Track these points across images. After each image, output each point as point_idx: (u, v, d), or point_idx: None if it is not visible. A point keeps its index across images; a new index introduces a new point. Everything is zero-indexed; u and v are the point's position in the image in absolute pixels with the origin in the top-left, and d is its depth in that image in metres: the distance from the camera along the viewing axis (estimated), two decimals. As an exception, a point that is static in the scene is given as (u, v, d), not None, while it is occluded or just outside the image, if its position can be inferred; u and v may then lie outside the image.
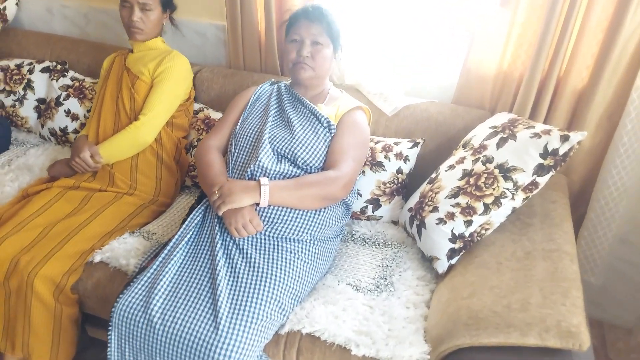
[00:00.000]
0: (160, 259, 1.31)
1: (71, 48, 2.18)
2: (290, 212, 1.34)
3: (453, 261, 1.37)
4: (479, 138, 1.49)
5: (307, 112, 1.49)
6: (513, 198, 1.33)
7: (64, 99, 2.01)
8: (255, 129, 1.47)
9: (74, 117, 1.99)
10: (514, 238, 1.35)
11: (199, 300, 1.21)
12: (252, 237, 1.32)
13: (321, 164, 1.41)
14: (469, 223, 1.35)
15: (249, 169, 1.37)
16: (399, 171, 1.60)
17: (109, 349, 1.25)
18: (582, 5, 1.41)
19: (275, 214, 1.33)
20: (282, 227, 1.33)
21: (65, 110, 2.00)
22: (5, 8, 2.29)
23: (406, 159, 1.60)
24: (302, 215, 1.35)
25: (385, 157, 1.60)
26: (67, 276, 1.42)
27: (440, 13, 1.69)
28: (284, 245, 1.32)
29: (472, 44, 1.61)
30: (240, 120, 1.53)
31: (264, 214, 1.33)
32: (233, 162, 1.45)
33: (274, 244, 1.32)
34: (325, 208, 1.40)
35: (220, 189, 1.32)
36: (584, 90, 1.53)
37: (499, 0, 1.50)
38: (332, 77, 1.83)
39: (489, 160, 1.39)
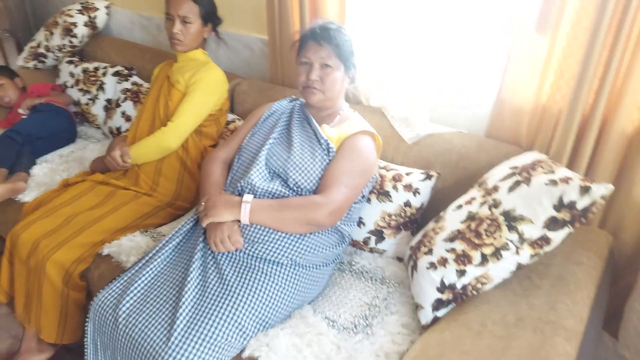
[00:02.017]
0: (143, 261, 1.36)
1: (140, 55, 2.39)
2: (271, 233, 1.30)
3: (439, 313, 1.22)
4: (495, 178, 1.32)
5: (312, 132, 1.44)
6: (517, 252, 1.15)
7: (122, 101, 2.20)
8: (258, 145, 1.46)
9: (127, 119, 2.17)
10: (513, 299, 1.16)
11: (163, 309, 1.23)
12: (231, 254, 1.30)
13: (314, 187, 1.35)
14: (461, 273, 1.19)
15: (239, 184, 1.36)
16: (407, 204, 1.47)
17: (85, 340, 1.32)
18: (633, 31, 1.18)
19: (256, 233, 1.30)
20: (262, 247, 1.29)
21: (122, 112, 2.19)
22: (96, 17, 2.58)
23: (416, 192, 1.47)
24: (284, 237, 1.30)
25: (394, 187, 1.48)
26: (77, 264, 1.53)
27: (476, 33, 1.53)
28: (261, 266, 1.29)
29: (507, 71, 1.43)
30: (249, 135, 1.53)
31: (246, 232, 1.31)
32: (231, 175, 1.46)
33: (250, 264, 1.29)
34: (312, 233, 1.33)
35: (206, 201, 1.34)
36: (635, 134, 1.27)
37: (534, 25, 1.31)
38: (359, 98, 1.76)
39: (495, 204, 1.22)
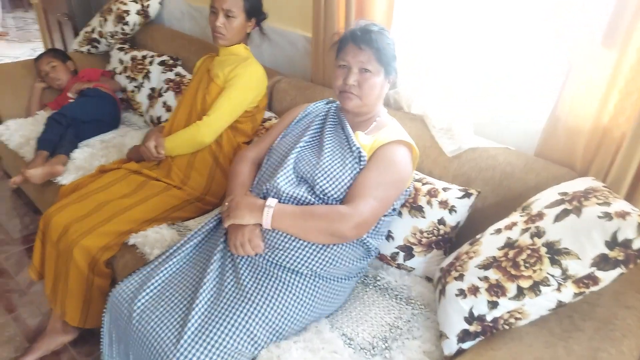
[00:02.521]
0: (163, 257, 1.34)
1: (187, 46, 2.39)
2: (293, 241, 1.24)
3: (465, 345, 1.12)
4: (541, 203, 1.19)
5: (344, 138, 1.37)
6: (559, 289, 1.03)
7: (164, 91, 2.21)
8: (287, 148, 1.40)
9: (168, 109, 2.18)
10: (549, 341, 1.05)
11: (177, 308, 1.20)
12: (250, 259, 1.26)
13: (341, 196, 1.28)
14: (493, 305, 1.09)
15: (264, 187, 1.32)
16: (441, 222, 1.38)
17: (102, 330, 1.32)
18: None
19: (278, 240, 1.25)
20: (282, 254, 1.24)
21: (163, 102, 2.20)
22: (148, 5, 2.62)
23: (452, 210, 1.36)
24: (306, 246, 1.24)
25: (428, 202, 1.39)
26: (103, 251, 1.55)
27: (533, 42, 1.40)
28: (279, 274, 1.23)
29: (566, 85, 1.30)
30: (280, 136, 1.48)
31: (268, 237, 1.26)
32: (259, 177, 1.42)
33: (269, 271, 1.24)
34: (335, 245, 1.27)
35: (230, 202, 1.30)
36: None
37: (600, 37, 1.18)
38: (401, 104, 1.67)
39: (538, 234, 1.10)
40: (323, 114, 1.49)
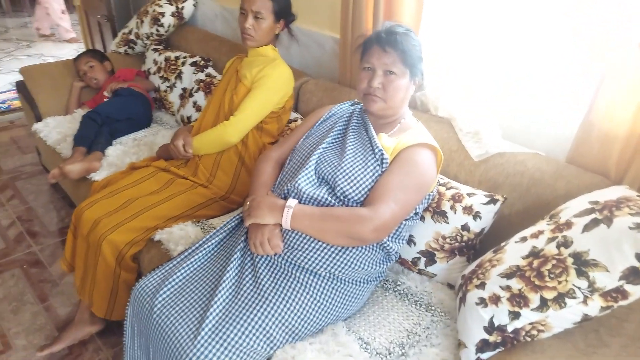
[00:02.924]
0: (185, 253, 1.36)
1: (218, 47, 2.43)
2: (312, 242, 1.24)
3: (483, 356, 1.09)
4: (570, 212, 1.15)
5: (367, 139, 1.36)
6: (585, 302, 0.99)
7: (195, 91, 2.26)
8: (310, 148, 1.40)
9: (198, 109, 2.22)
10: (572, 355, 1.00)
11: (196, 305, 1.22)
12: (269, 258, 1.27)
13: (362, 198, 1.27)
14: (515, 315, 1.06)
15: (285, 187, 1.32)
16: (465, 228, 1.34)
17: (125, 323, 1.36)
18: None
19: (297, 240, 1.25)
20: (300, 255, 1.24)
21: (193, 102, 2.24)
22: (183, 8, 2.68)
23: (477, 216, 1.33)
24: (324, 248, 1.24)
25: (452, 207, 1.36)
26: (130, 246, 1.59)
27: (566, 44, 1.34)
28: (297, 274, 1.24)
29: (600, 90, 1.24)
30: (304, 137, 1.49)
31: (287, 238, 1.26)
32: (281, 177, 1.42)
33: (287, 271, 1.24)
34: (354, 247, 1.26)
35: (251, 201, 1.31)
36: None
37: (638, 40, 1.12)
38: (428, 106, 1.64)
39: (566, 243, 1.06)
40: (347, 115, 1.48)
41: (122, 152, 2.08)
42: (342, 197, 1.27)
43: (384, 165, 1.29)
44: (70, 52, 5.34)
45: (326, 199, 1.27)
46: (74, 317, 1.77)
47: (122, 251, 1.58)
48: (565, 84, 1.39)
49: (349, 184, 1.27)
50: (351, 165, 1.30)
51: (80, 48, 5.23)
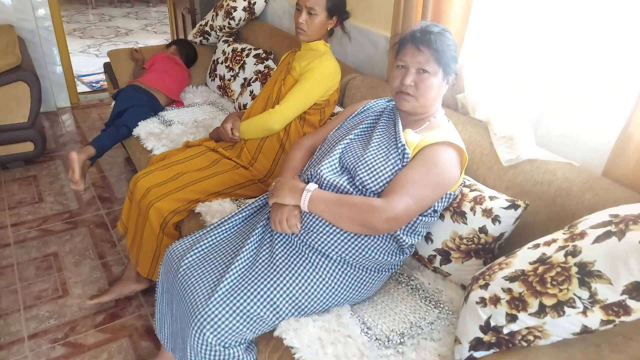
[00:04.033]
0: (214, 224, 1.48)
1: (281, 42, 2.56)
2: (327, 226, 1.30)
3: (476, 354, 1.09)
4: (588, 223, 1.11)
5: (394, 134, 1.39)
6: (585, 313, 0.97)
7: (253, 81, 2.40)
8: (338, 138, 1.46)
9: (253, 97, 2.36)
10: (566, 365, 0.98)
11: (215, 270, 1.33)
12: (287, 237, 1.35)
13: (380, 190, 1.31)
14: (512, 318, 1.05)
15: (309, 172, 1.39)
16: (483, 230, 1.33)
17: (158, 280, 1.51)
18: None
19: (314, 223, 1.32)
20: (315, 236, 1.31)
21: (250, 90, 2.39)
22: (255, 3, 2.84)
23: (496, 219, 1.32)
24: (337, 233, 1.30)
25: (472, 209, 1.35)
26: (173, 214, 1.75)
27: (609, 54, 1.29)
28: (310, 255, 1.31)
29: (641, 102, 1.18)
30: (336, 128, 1.55)
31: (305, 220, 1.33)
32: (308, 163, 1.50)
33: (301, 250, 1.32)
34: (367, 236, 1.30)
35: (277, 182, 1.40)
36: None
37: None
38: (467, 108, 1.63)
39: (574, 253, 1.03)
40: (380, 110, 1.52)
41: (181, 131, 2.27)
42: (360, 187, 1.32)
43: (405, 160, 1.32)
44: (161, 41, 5.81)
45: (345, 187, 1.33)
46: (121, 274, 1.97)
47: (166, 218, 1.74)
48: (606, 93, 1.33)
49: (368, 174, 1.32)
50: (373, 158, 1.34)
51: (169, 38, 5.67)
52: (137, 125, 2.35)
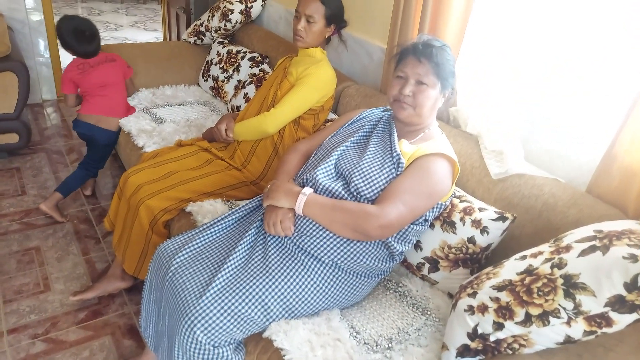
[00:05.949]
0: (206, 224, 1.49)
1: (276, 46, 2.58)
2: (320, 230, 1.32)
3: (463, 361, 1.12)
4: (573, 237, 1.16)
5: (389, 144, 1.43)
6: (569, 323, 1.00)
7: (247, 84, 2.41)
8: (334, 145, 1.49)
9: (247, 100, 2.37)
10: (549, 373, 1.02)
11: (207, 270, 1.34)
12: (280, 239, 1.36)
13: (374, 197, 1.34)
14: (499, 326, 1.08)
15: (305, 176, 1.41)
16: (471, 240, 1.37)
17: (146, 278, 1.50)
18: None
19: (307, 227, 1.34)
20: (308, 240, 1.33)
21: (244, 93, 2.40)
22: (252, 7, 2.86)
23: (484, 230, 1.36)
24: (330, 237, 1.32)
25: (461, 219, 1.39)
26: (163, 213, 1.74)
27: (598, 74, 1.35)
28: (302, 258, 1.32)
29: (626, 124, 1.24)
30: (332, 134, 1.57)
31: (299, 223, 1.35)
32: (304, 168, 1.52)
33: (294, 253, 1.33)
34: (359, 241, 1.33)
35: (272, 185, 1.41)
36: None
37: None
38: (459, 122, 1.68)
39: (560, 265, 1.07)
40: (376, 119, 1.55)
41: (173, 130, 2.27)
42: (355, 193, 1.35)
43: (399, 169, 1.35)
44: (150, 38, 5.77)
45: (340, 193, 1.35)
46: (106, 271, 1.95)
47: (156, 216, 1.74)
48: (593, 114, 1.39)
49: (363, 182, 1.34)
50: (369, 165, 1.37)
51: (159, 35, 5.64)
52: (102, 166, 2.49)
